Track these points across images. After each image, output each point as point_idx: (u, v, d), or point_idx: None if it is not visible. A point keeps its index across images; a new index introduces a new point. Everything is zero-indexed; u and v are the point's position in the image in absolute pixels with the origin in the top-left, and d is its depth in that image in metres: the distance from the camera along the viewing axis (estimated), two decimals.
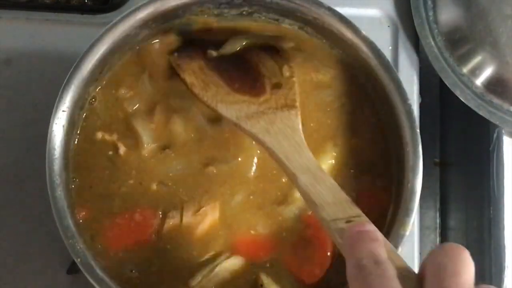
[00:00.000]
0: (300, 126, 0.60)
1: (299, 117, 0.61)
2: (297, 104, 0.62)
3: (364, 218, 0.50)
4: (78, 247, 0.60)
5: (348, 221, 0.49)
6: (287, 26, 0.70)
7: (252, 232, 0.64)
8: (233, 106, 0.61)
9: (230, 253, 0.63)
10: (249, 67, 0.66)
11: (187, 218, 0.64)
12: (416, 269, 0.45)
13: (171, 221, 0.64)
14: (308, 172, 0.54)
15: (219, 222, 0.64)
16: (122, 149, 0.66)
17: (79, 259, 0.60)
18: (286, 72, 0.66)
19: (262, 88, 0.64)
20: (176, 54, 0.67)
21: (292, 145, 0.57)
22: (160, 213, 0.65)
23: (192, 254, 0.64)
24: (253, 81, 0.65)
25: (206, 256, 0.64)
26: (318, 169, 0.55)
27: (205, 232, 0.64)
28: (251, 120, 0.60)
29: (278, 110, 0.61)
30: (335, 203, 0.51)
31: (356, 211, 0.51)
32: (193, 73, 0.65)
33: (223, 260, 0.63)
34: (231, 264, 0.63)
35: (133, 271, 0.63)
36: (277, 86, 0.64)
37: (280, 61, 0.67)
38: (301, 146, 0.57)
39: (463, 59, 0.78)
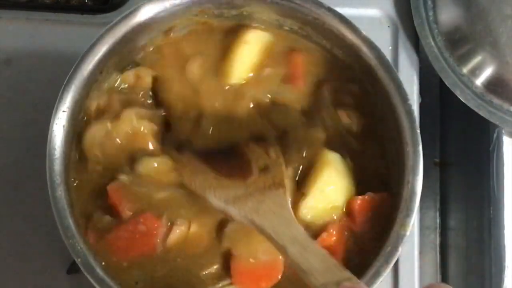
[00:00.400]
0: (289, 203, 0.61)
1: (287, 194, 0.62)
2: (285, 183, 0.63)
3: (355, 280, 0.52)
4: (78, 247, 0.60)
5: (337, 284, 0.51)
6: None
7: (252, 260, 0.63)
8: (221, 190, 0.62)
9: (230, 281, 0.63)
10: (235, 153, 0.67)
11: (194, 228, 0.64)
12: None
13: (178, 230, 0.63)
14: (296, 243, 0.56)
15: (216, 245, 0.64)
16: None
17: (79, 259, 0.60)
18: (273, 154, 0.66)
19: (250, 171, 0.65)
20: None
21: (281, 220, 0.59)
22: (165, 220, 0.64)
23: (200, 263, 0.63)
24: (240, 166, 0.66)
25: (212, 269, 0.63)
26: (306, 239, 0.57)
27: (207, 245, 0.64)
28: (239, 202, 0.61)
29: (266, 189, 0.62)
30: (325, 269, 0.53)
31: (347, 274, 0.52)
32: (182, 164, 0.66)
33: (225, 286, 0.63)
34: None
35: (137, 283, 0.63)
36: (264, 168, 0.65)
37: (266, 145, 0.67)
38: (289, 220, 0.59)
39: (463, 59, 0.78)
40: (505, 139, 0.79)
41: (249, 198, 0.61)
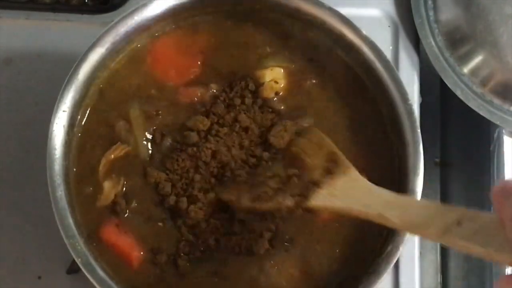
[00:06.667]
0: (359, 175, 0.59)
1: (353, 168, 0.60)
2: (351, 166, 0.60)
3: (472, 212, 0.48)
4: (79, 247, 0.60)
5: (459, 223, 0.47)
6: None
7: None
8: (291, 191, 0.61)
9: None
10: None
11: None
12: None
13: None
14: (390, 205, 0.54)
15: None
16: None
17: (79, 259, 0.60)
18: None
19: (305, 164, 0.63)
20: None
21: (362, 191, 0.56)
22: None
23: None
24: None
25: None
26: (397, 197, 0.55)
27: None
28: (314, 193, 0.59)
29: (334, 174, 0.60)
30: (436, 214, 0.50)
31: (460, 210, 0.49)
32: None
33: None
34: None
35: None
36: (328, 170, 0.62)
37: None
38: (370, 187, 0.57)
39: (464, 59, 0.78)
40: (506, 139, 0.79)
41: (321, 187, 0.59)
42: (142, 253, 0.63)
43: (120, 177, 0.65)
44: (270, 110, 0.68)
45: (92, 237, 0.63)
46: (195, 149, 0.65)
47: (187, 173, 0.65)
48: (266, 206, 0.61)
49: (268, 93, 0.68)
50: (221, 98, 0.67)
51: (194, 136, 0.65)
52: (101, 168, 0.65)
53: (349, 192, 0.57)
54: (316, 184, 0.59)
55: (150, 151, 0.66)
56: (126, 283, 0.62)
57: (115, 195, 0.64)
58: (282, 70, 0.69)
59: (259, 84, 0.68)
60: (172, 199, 0.64)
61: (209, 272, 0.63)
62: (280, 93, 0.69)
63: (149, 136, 0.67)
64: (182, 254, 0.63)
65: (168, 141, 0.67)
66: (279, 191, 0.61)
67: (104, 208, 0.64)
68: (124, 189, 0.65)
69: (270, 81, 0.68)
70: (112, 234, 0.64)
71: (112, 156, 0.65)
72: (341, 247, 0.64)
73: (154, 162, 0.66)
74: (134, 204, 0.65)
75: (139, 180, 0.65)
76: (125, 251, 0.63)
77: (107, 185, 0.65)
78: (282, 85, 0.69)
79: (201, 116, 0.66)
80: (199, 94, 0.68)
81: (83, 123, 0.67)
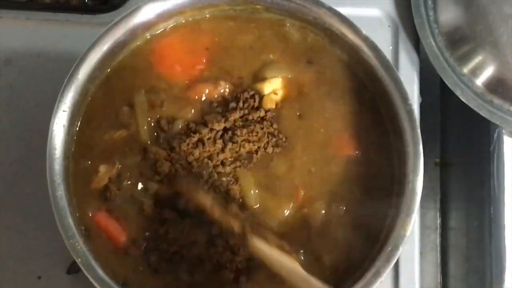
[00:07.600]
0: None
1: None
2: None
3: None
4: (79, 247, 0.60)
5: None
6: None
7: None
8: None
9: None
10: None
11: None
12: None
13: None
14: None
15: None
16: None
17: (79, 259, 0.60)
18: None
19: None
20: None
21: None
22: None
23: None
24: None
25: None
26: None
27: None
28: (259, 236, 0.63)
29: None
30: None
31: None
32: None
33: None
34: None
35: None
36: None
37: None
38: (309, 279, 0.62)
39: (464, 59, 0.78)
40: (506, 139, 0.79)
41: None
42: (125, 240, 0.64)
43: (116, 161, 0.66)
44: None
45: (86, 222, 0.64)
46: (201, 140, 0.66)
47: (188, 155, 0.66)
48: (218, 214, 0.64)
49: (269, 105, 0.68)
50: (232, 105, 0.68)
51: (204, 130, 0.66)
52: (98, 151, 0.66)
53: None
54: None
55: (155, 135, 0.67)
56: (112, 268, 0.63)
57: (109, 179, 0.65)
58: (281, 80, 0.69)
59: (260, 97, 0.68)
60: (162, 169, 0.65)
61: (185, 282, 0.64)
62: (279, 103, 0.69)
63: (152, 123, 0.67)
64: (149, 249, 0.64)
65: (177, 127, 0.67)
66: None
67: (97, 191, 0.65)
68: (118, 170, 0.66)
69: (269, 93, 0.69)
70: (103, 219, 0.64)
71: (110, 139, 0.66)
72: (340, 249, 0.65)
73: (157, 144, 0.67)
74: (126, 183, 0.65)
75: (134, 164, 0.66)
76: (114, 237, 0.64)
77: (102, 168, 0.65)
78: (281, 95, 0.69)
79: (220, 116, 0.67)
80: (207, 91, 0.68)
81: (86, 107, 0.67)
